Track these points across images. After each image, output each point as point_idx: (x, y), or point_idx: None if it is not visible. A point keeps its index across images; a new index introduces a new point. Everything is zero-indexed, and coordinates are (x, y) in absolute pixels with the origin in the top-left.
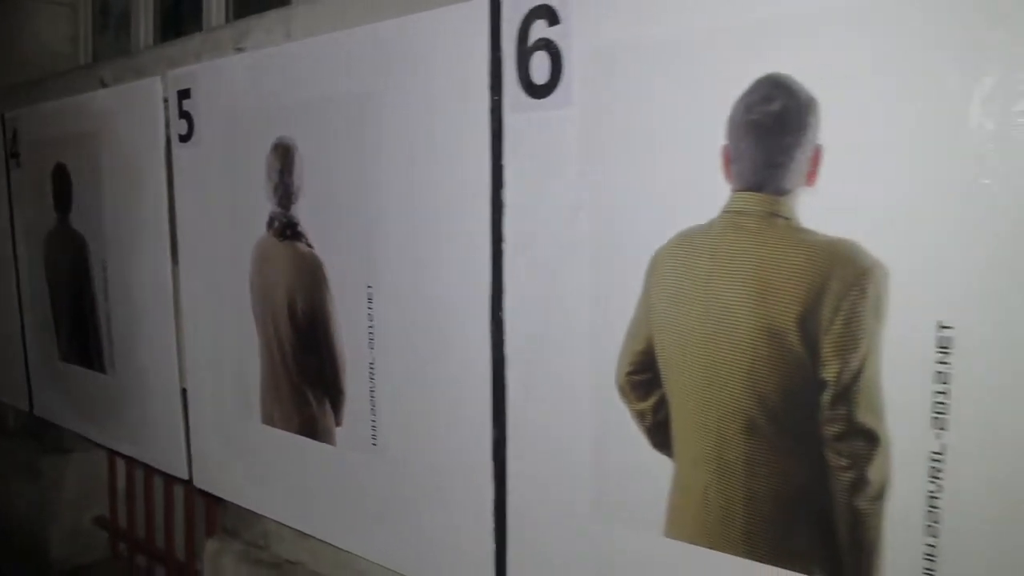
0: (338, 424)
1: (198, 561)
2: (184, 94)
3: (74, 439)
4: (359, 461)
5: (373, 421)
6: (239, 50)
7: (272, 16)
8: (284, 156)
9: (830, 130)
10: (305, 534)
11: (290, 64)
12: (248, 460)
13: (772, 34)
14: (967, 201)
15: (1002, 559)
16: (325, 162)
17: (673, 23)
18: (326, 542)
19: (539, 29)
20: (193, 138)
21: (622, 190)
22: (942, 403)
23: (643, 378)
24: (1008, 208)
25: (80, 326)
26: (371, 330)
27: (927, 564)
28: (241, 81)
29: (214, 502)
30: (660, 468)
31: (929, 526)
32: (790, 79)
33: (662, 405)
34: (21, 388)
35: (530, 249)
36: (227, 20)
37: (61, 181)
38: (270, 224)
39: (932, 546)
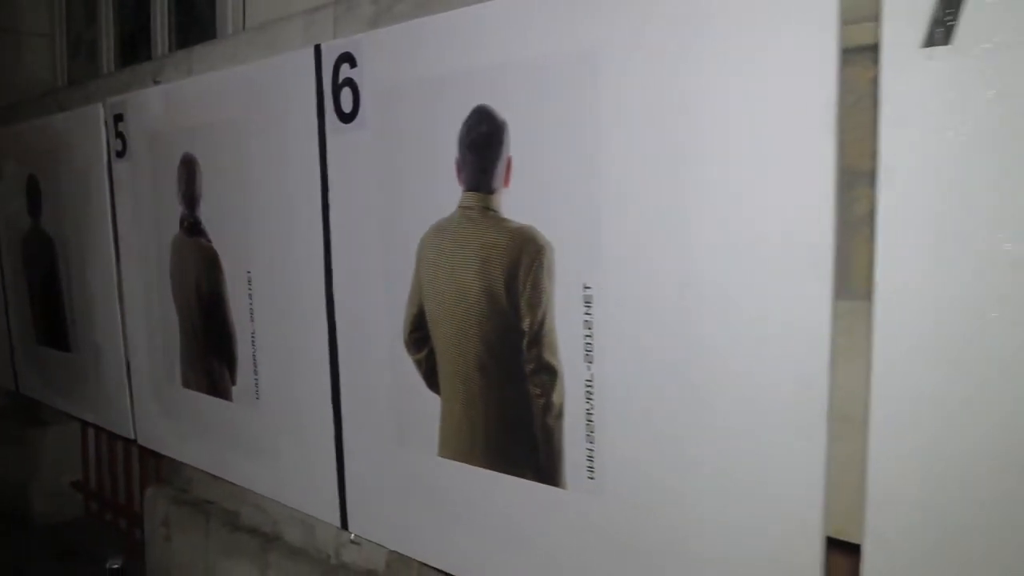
0: (233, 384)
1: None
2: (119, 118)
3: (52, 413)
4: (247, 411)
5: (256, 379)
6: (156, 82)
7: (179, 55)
8: (188, 168)
9: (516, 145)
10: (216, 477)
11: (190, 95)
12: (174, 418)
13: (480, 76)
14: (597, 194)
15: (643, 459)
16: (216, 173)
17: (425, 67)
18: (229, 481)
19: (345, 70)
20: (127, 154)
21: (399, 192)
22: (589, 343)
23: (419, 335)
24: (623, 195)
25: (50, 313)
26: (251, 307)
27: (588, 464)
28: (158, 108)
29: (157, 458)
30: (433, 404)
31: (588, 435)
32: (490, 108)
33: (431, 355)
34: (7, 370)
35: (347, 240)
36: (170, 50)
37: (33, 190)
38: (181, 224)
39: (591, 450)
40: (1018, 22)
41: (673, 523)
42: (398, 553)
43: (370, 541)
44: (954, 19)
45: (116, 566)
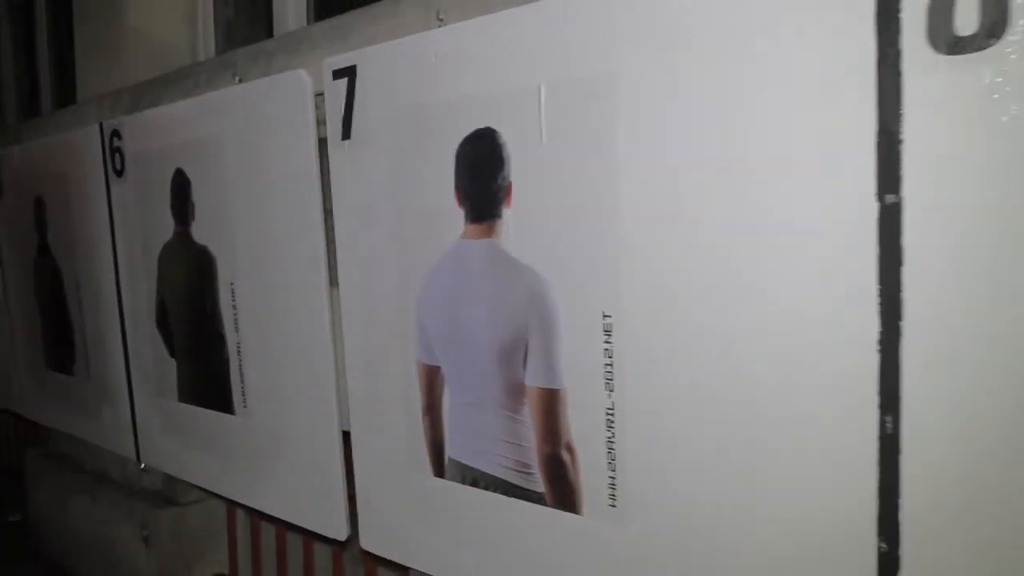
0: (73, 363)
1: None
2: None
3: None
4: (82, 384)
5: (87, 359)
6: (18, 143)
7: (33, 122)
8: (39, 206)
9: (196, 194)
10: (70, 435)
11: (36, 152)
12: (40, 391)
13: (180, 148)
14: (232, 221)
15: (266, 390)
16: (54, 209)
17: (153, 141)
18: (78, 437)
19: (116, 141)
20: (2, 195)
21: (149, 223)
22: (236, 319)
23: (162, 317)
24: (246, 221)
25: None
26: (81, 305)
27: (243, 397)
28: (18, 161)
29: (37, 425)
30: (171, 365)
31: (241, 378)
32: (183, 169)
33: (169, 331)
34: None
35: (126, 254)
36: (55, 109)
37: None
38: (37, 247)
39: (243, 388)
40: (389, 126)
41: (285, 432)
42: (169, 475)
43: (153, 468)
44: (349, 124)
45: (15, 519)
